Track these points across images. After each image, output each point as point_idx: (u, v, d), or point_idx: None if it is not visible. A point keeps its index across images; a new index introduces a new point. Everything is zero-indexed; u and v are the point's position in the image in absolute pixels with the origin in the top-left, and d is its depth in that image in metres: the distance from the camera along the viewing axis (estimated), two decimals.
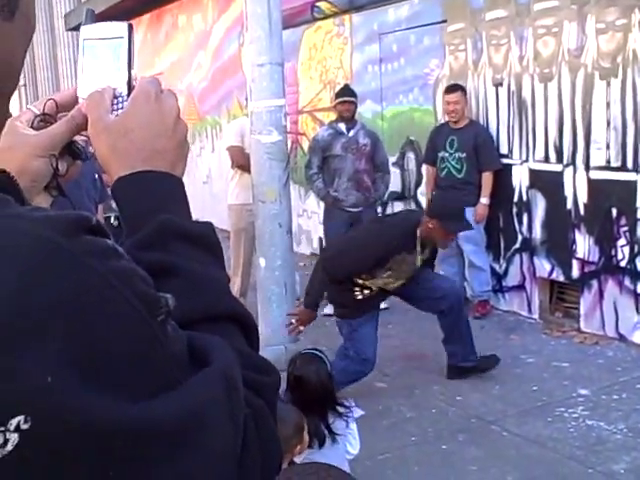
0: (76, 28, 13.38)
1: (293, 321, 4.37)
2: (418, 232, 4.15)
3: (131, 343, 0.57)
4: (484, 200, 5.74)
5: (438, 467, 3.59)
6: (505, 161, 5.83)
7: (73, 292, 0.54)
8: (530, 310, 5.79)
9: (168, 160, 0.81)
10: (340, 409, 2.83)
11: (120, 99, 0.83)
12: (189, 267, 0.75)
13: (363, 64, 7.29)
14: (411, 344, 5.36)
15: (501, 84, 5.84)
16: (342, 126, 6.04)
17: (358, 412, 2.93)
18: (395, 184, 7.05)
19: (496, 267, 6.05)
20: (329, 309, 6.42)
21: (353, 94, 6.18)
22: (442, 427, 3.99)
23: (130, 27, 0.84)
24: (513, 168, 5.80)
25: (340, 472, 1.20)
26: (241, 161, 5.82)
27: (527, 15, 5.53)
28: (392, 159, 6.99)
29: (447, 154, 5.84)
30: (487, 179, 5.76)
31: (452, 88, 5.88)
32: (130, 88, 0.83)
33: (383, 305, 6.29)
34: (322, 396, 2.81)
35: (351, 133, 6.01)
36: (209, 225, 0.83)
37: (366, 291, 4.33)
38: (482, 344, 5.15)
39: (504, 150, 5.87)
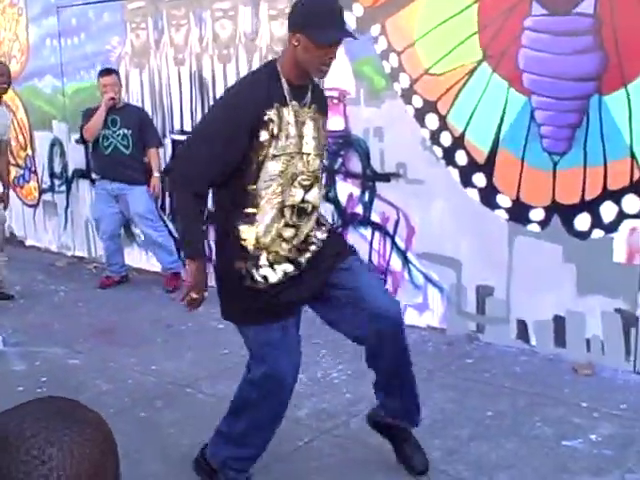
0: None
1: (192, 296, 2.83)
2: (278, 65, 2.78)
3: None
4: (156, 174, 5.99)
5: (138, 433, 3.69)
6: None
7: None
8: None
9: None
10: None
11: None
12: None
13: (41, 37, 7.03)
14: (102, 320, 5.38)
15: (183, 64, 6.02)
16: None
17: None
18: (79, 161, 6.96)
19: None
20: None
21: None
22: (139, 396, 4.09)
23: None
24: None
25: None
26: None
27: None
28: (75, 136, 6.88)
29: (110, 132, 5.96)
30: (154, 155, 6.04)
31: (108, 71, 6.01)
32: None
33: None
34: None
35: None
36: None
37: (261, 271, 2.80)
38: (173, 315, 5.35)
39: (187, 127, 6.07)
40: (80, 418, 0.90)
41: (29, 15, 7.12)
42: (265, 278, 2.80)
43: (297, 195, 2.78)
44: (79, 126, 6.08)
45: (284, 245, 2.82)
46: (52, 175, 7.27)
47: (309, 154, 2.79)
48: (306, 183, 2.79)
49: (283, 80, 2.75)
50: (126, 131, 5.91)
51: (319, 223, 2.96)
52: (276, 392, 2.88)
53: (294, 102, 2.75)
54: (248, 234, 2.77)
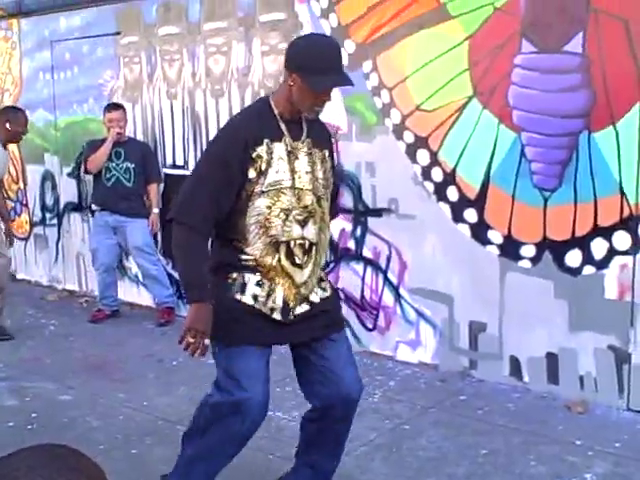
0: None
1: (188, 340, 2.67)
2: (272, 102, 2.77)
3: None
4: (156, 210, 6.03)
5: (129, 471, 3.66)
6: (182, 172, 6.06)
7: None
8: None
9: None
10: None
11: None
12: None
13: (34, 71, 7.08)
14: (93, 354, 5.35)
15: (175, 98, 6.06)
16: None
17: None
18: (71, 195, 6.97)
19: (175, 274, 6.25)
20: None
21: None
22: (130, 433, 4.05)
23: None
24: None
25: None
26: None
27: (198, 33, 5.80)
28: (67, 170, 6.91)
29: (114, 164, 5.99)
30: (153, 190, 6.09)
31: (116, 106, 6.06)
32: None
33: None
34: None
35: None
36: None
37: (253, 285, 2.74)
38: (164, 350, 5.32)
39: (180, 162, 6.09)
40: (74, 466, 0.90)
41: (23, 49, 7.17)
42: (255, 298, 2.73)
43: (294, 231, 2.72)
44: (83, 157, 6.09)
45: (294, 290, 2.76)
46: (43, 208, 7.27)
47: (301, 189, 2.73)
48: (300, 218, 2.73)
49: (277, 114, 2.73)
50: (129, 164, 5.95)
51: (321, 279, 2.91)
52: (234, 423, 2.76)
53: (287, 136, 2.73)
54: (243, 254, 2.72)
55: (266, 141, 2.68)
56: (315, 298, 2.84)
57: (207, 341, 2.68)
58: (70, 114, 6.84)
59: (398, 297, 4.93)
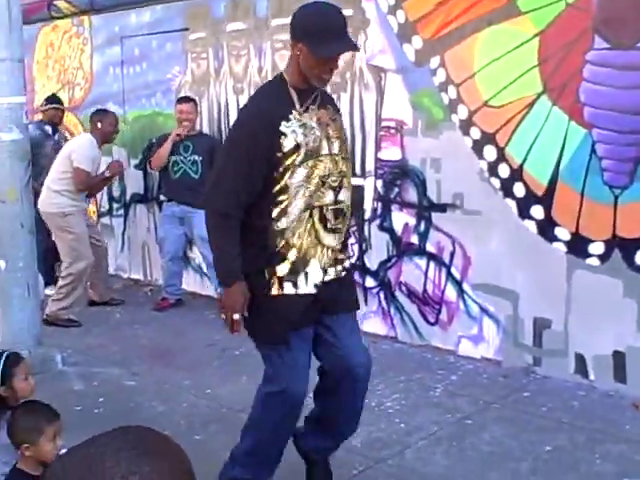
0: None
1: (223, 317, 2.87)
2: (286, 75, 2.81)
3: None
4: None
5: (192, 457, 3.67)
6: None
7: None
8: None
9: None
10: None
11: None
12: None
13: (104, 66, 7.25)
14: (158, 342, 5.46)
15: (242, 93, 6.13)
16: (49, 128, 6.74)
17: None
18: (138, 186, 7.11)
19: None
20: (50, 289, 6.30)
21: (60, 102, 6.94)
22: (194, 419, 4.12)
23: None
24: None
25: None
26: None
27: (265, 29, 5.87)
28: (134, 162, 7.05)
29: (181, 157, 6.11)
30: None
31: (186, 99, 6.19)
32: None
33: None
34: None
35: (56, 137, 6.71)
36: None
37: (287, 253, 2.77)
38: (227, 339, 5.38)
39: None
40: (160, 449, 0.91)
41: (94, 44, 7.35)
42: (295, 285, 2.80)
43: (327, 196, 2.77)
44: (148, 155, 6.31)
45: (328, 253, 2.83)
46: (111, 199, 7.43)
47: (336, 155, 2.81)
48: (335, 184, 2.79)
49: (291, 89, 2.77)
50: (197, 157, 6.07)
51: (346, 247, 3.00)
52: (288, 411, 2.95)
53: (312, 106, 2.78)
54: (275, 236, 2.75)
55: (293, 114, 2.73)
56: (340, 267, 2.91)
57: (236, 316, 2.79)
58: (138, 108, 6.99)
59: (461, 292, 4.91)
